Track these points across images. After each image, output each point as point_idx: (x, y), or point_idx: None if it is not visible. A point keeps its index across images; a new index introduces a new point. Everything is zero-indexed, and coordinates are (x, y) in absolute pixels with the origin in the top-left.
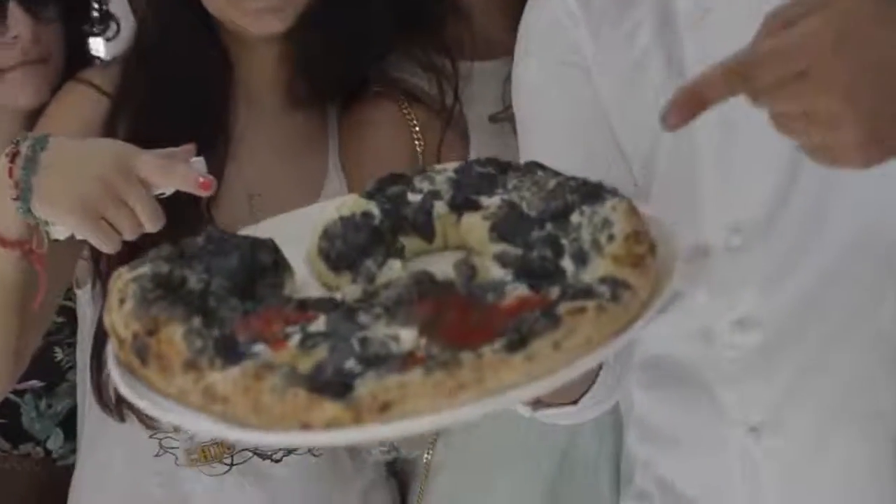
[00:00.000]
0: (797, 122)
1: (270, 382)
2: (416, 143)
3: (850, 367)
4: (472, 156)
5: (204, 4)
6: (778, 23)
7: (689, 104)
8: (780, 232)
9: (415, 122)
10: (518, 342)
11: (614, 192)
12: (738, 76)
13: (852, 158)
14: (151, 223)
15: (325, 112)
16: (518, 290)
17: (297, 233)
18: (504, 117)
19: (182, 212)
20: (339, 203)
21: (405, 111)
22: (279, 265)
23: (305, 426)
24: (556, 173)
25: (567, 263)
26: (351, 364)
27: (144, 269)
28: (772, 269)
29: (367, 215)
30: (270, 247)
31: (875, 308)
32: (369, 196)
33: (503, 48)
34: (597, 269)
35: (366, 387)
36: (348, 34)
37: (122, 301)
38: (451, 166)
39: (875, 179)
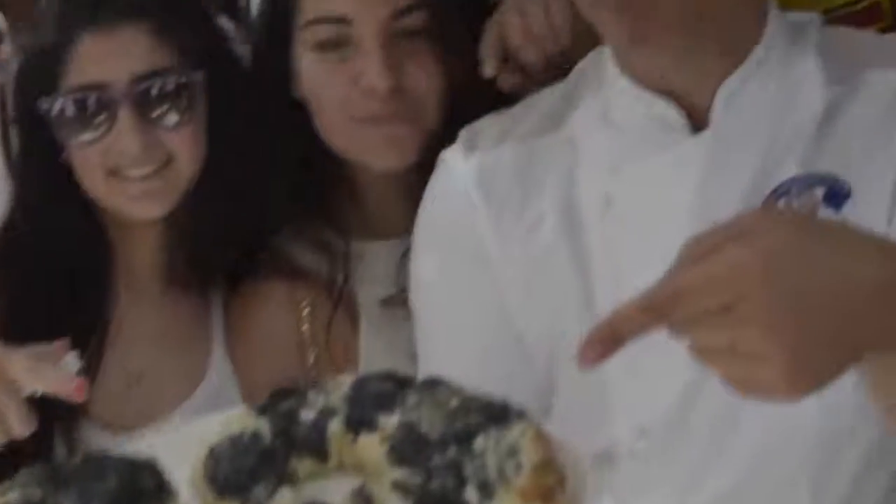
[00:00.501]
0: (720, 354)
1: None
2: (305, 323)
3: None
4: (363, 338)
5: (82, 186)
6: (698, 251)
7: (605, 342)
8: (690, 436)
9: (303, 302)
10: None
11: (521, 415)
12: (657, 310)
13: (780, 391)
14: (21, 428)
15: (209, 293)
16: None
17: (182, 451)
18: (398, 301)
19: (55, 402)
20: (228, 419)
21: (293, 291)
22: (162, 489)
23: None
24: (459, 390)
25: (471, 494)
26: None
27: (14, 494)
28: (682, 475)
29: (256, 435)
30: (152, 468)
31: None
32: (260, 412)
33: (399, 228)
34: (507, 501)
35: None
36: (232, 216)
37: None
38: (347, 380)
39: None
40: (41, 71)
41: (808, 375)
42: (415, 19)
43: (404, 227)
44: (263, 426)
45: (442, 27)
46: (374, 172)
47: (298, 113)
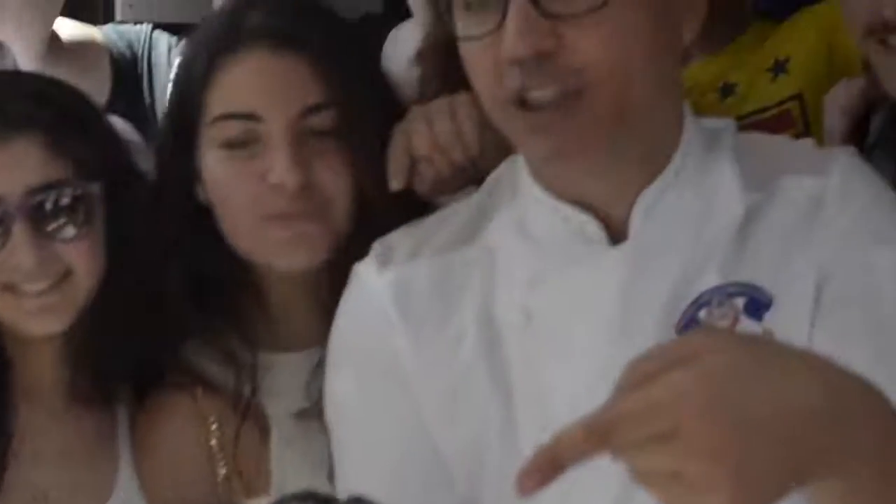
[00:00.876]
0: (663, 480)
1: None
2: (213, 438)
3: None
4: (274, 452)
5: None
6: (638, 376)
7: (545, 469)
8: None
9: (211, 416)
10: None
11: None
12: (599, 436)
13: None
14: None
15: (114, 408)
16: None
17: None
18: (312, 414)
19: None
20: None
21: (200, 404)
22: None
23: None
24: None
25: None
26: None
27: None
28: None
29: None
30: None
31: None
32: None
33: (311, 340)
34: None
35: None
36: (134, 329)
37: None
38: (264, 501)
39: None
40: None
41: (752, 502)
42: (324, 118)
43: (314, 339)
44: None
45: (350, 127)
46: (281, 279)
47: (203, 219)
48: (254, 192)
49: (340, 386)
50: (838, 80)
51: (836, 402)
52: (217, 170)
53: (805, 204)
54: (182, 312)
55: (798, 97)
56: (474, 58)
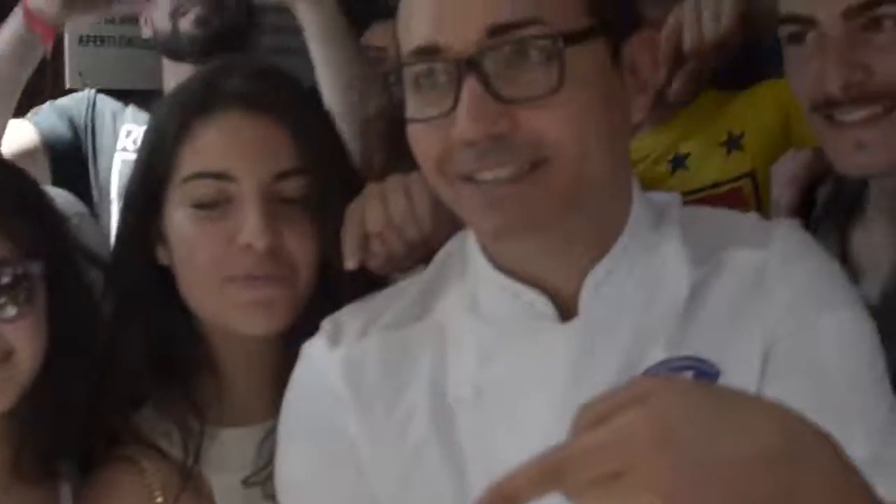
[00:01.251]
0: None
1: None
2: None
3: None
4: None
5: None
6: (591, 417)
7: None
8: None
9: (156, 489)
10: None
11: None
12: (550, 475)
13: None
14: None
15: (58, 485)
16: None
17: None
18: (255, 481)
19: None
20: None
21: (146, 476)
22: None
23: None
24: None
25: None
26: None
27: None
28: None
29: None
30: None
31: None
32: None
33: (261, 414)
34: None
35: None
36: (79, 406)
37: None
38: None
39: None
40: None
41: None
42: (294, 184)
43: (264, 412)
44: None
45: (320, 196)
46: (236, 347)
47: (162, 283)
48: (221, 253)
49: (291, 465)
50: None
51: (791, 443)
52: (185, 229)
53: (749, 277)
54: (136, 381)
55: (751, 175)
56: (423, 138)
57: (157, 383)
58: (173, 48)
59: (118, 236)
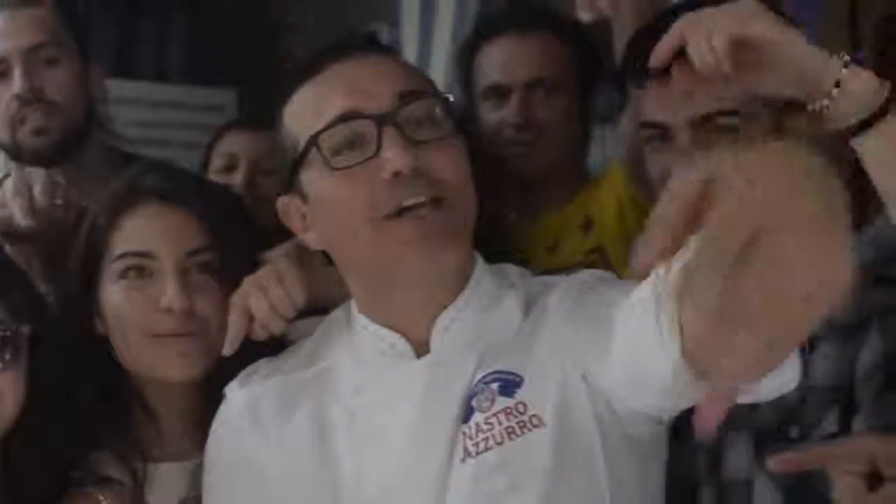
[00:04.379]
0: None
1: None
2: None
3: None
4: None
5: None
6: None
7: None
8: None
9: None
10: None
11: None
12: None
13: None
14: None
15: None
16: None
17: None
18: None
19: None
20: None
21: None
22: None
23: None
24: None
25: None
26: None
27: None
28: None
29: None
30: None
31: None
32: None
33: (191, 451)
34: None
35: None
36: (50, 449)
37: None
38: None
39: None
40: None
41: None
42: (204, 258)
43: (194, 450)
44: None
45: (225, 266)
46: (166, 393)
47: (101, 348)
48: (147, 315)
49: (213, 480)
50: (632, 229)
51: None
52: (117, 298)
53: (554, 313)
54: (89, 428)
55: (600, 249)
56: (350, 184)
57: (106, 429)
58: (15, 156)
59: (60, 313)
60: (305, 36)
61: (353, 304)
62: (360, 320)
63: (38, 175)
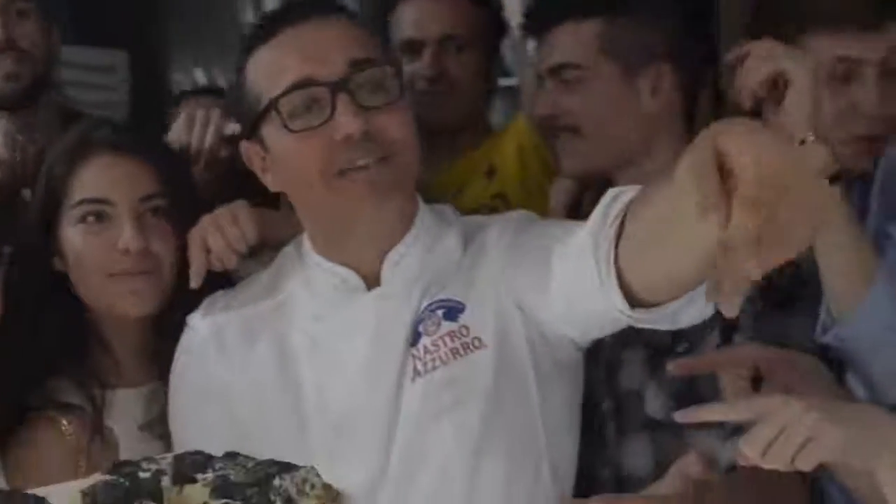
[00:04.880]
0: None
1: None
2: (73, 449)
3: None
4: (122, 456)
5: None
6: None
7: None
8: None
9: (72, 435)
10: None
11: (301, 466)
12: None
13: None
14: None
15: None
16: None
17: (60, 496)
18: (150, 427)
19: None
20: (85, 480)
21: (64, 427)
22: None
23: None
24: (252, 458)
25: None
26: None
27: None
28: None
29: (107, 485)
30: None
31: None
32: (108, 473)
33: (145, 378)
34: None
35: None
36: (13, 375)
37: None
38: (169, 455)
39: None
40: None
41: None
42: (157, 202)
43: (148, 377)
44: (111, 479)
45: (177, 209)
46: (122, 327)
47: (60, 284)
48: (105, 256)
49: (179, 401)
50: (532, 177)
51: None
52: (76, 240)
53: (487, 244)
54: (52, 358)
55: (502, 195)
56: (306, 146)
57: (65, 359)
58: None
59: (20, 252)
60: None
61: (304, 239)
62: (313, 257)
63: None
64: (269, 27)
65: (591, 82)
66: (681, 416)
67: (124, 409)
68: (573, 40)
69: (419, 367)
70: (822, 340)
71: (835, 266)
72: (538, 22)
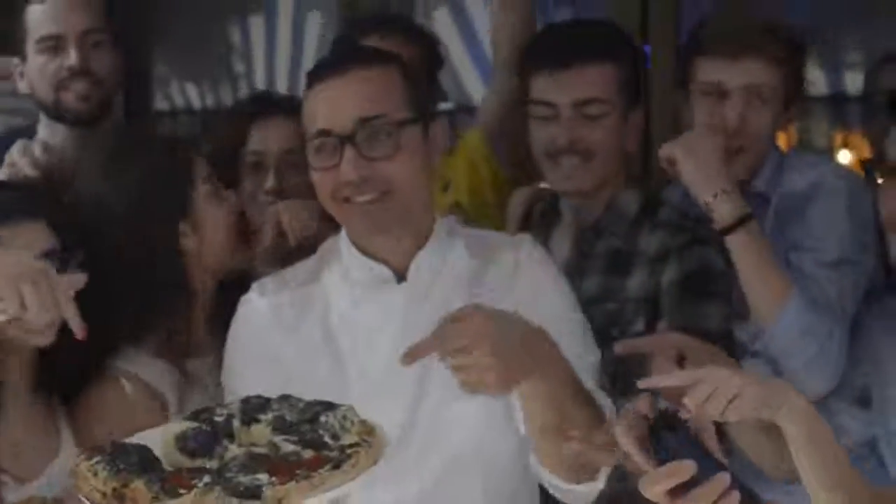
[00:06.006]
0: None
1: (214, 496)
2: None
3: None
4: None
5: None
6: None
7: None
8: (408, 444)
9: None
10: (334, 467)
11: (341, 405)
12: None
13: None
14: None
15: (52, 401)
16: (308, 453)
17: (153, 440)
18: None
19: None
20: (169, 425)
21: (126, 391)
22: (155, 458)
23: None
24: (302, 400)
25: (329, 440)
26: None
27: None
28: (401, 471)
29: (195, 430)
30: (146, 448)
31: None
32: (189, 420)
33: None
34: (350, 438)
35: (268, 493)
36: (91, 342)
37: (95, 473)
38: (237, 402)
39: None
40: None
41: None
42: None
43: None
44: (196, 425)
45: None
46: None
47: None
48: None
49: (235, 362)
50: (480, 187)
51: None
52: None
53: (510, 266)
54: (136, 327)
55: (458, 204)
56: (321, 179)
57: (144, 329)
58: (54, 115)
59: (136, 216)
60: None
61: (342, 237)
62: (352, 251)
63: (35, 142)
64: (312, 76)
65: (610, 117)
66: (642, 384)
67: (195, 378)
68: (601, 79)
69: None
70: (753, 348)
71: (755, 287)
72: (559, 58)
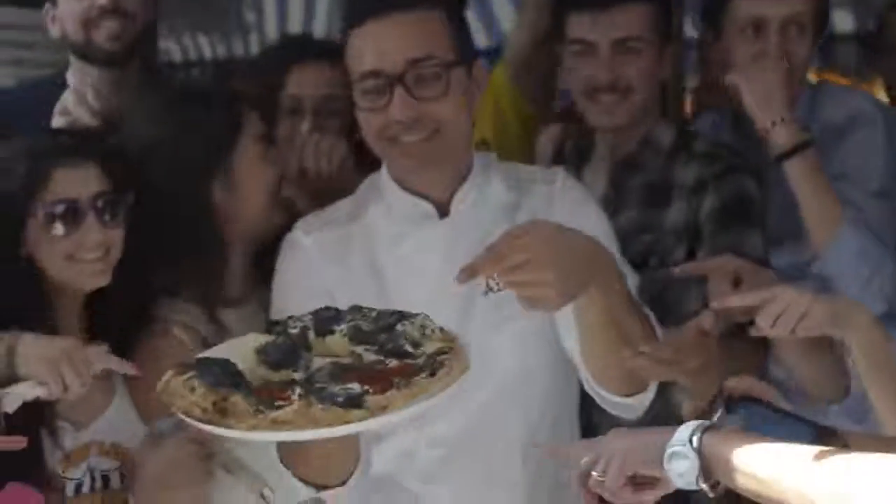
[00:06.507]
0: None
1: (319, 407)
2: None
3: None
4: None
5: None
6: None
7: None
8: None
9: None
10: (429, 375)
11: (415, 313)
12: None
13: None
14: None
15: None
16: (392, 362)
17: (234, 353)
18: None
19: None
20: (249, 337)
21: (174, 337)
22: (236, 370)
23: (347, 422)
24: (373, 309)
25: (408, 347)
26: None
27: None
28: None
29: (274, 342)
30: (228, 361)
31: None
32: (265, 332)
33: (250, 299)
34: (433, 346)
35: (371, 401)
36: (139, 291)
37: (192, 389)
38: (309, 314)
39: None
40: None
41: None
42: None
43: (252, 299)
44: (273, 337)
45: None
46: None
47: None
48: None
49: (283, 289)
50: (506, 124)
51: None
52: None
53: (545, 197)
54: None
55: (484, 141)
56: (371, 118)
57: (186, 280)
58: (83, 55)
59: (173, 185)
60: None
61: (383, 174)
62: (394, 188)
63: (71, 91)
64: (360, 14)
65: (646, 53)
66: (715, 304)
67: (228, 326)
68: (637, 17)
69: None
70: (813, 270)
71: (813, 210)
72: None
